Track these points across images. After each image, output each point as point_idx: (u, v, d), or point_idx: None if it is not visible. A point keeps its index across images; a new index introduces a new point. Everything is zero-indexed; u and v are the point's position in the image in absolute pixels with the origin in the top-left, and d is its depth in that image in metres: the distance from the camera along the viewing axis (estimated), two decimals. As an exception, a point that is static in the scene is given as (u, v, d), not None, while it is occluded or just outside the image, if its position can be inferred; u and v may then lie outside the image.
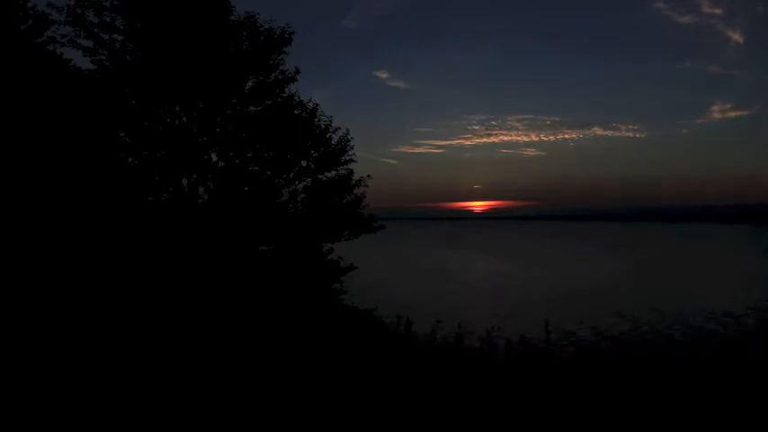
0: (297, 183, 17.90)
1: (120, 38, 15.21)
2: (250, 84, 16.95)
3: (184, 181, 16.16)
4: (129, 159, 15.50)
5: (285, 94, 17.47)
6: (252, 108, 17.12)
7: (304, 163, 17.85)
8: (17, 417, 6.83)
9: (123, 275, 12.47)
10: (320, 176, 18.19)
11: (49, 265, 11.40)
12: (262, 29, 16.53)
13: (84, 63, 15.03)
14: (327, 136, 18.11)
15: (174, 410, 7.51)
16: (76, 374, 8.37)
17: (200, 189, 16.45)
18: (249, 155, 17.00)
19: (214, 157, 16.66)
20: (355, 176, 18.47)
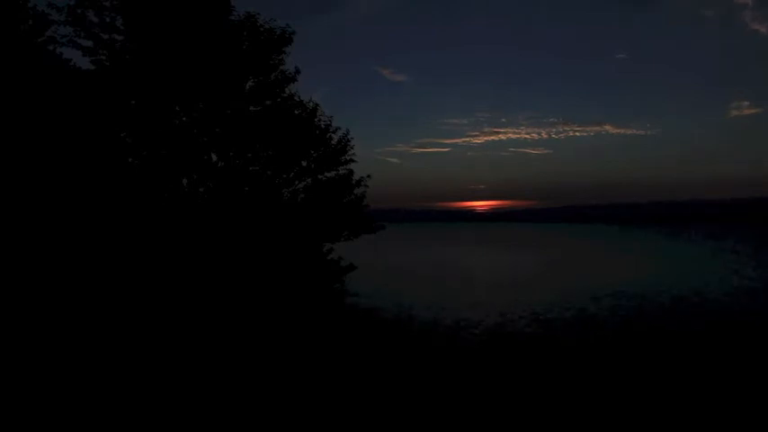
0: (297, 183, 17.93)
1: (120, 38, 15.24)
2: (250, 84, 16.97)
3: (184, 181, 16.18)
4: (130, 159, 15.52)
5: (285, 95, 17.51)
6: (252, 108, 17.13)
7: (304, 163, 17.87)
8: (17, 415, 6.82)
9: (124, 274, 12.48)
10: (320, 176, 18.22)
11: (50, 264, 11.41)
12: (262, 29, 16.56)
13: (84, 63, 15.08)
14: (327, 136, 18.14)
15: (175, 406, 7.49)
16: (77, 371, 8.36)
17: (201, 189, 16.47)
18: (249, 155, 17.01)
19: (214, 157, 16.68)
20: (356, 175, 18.54)
